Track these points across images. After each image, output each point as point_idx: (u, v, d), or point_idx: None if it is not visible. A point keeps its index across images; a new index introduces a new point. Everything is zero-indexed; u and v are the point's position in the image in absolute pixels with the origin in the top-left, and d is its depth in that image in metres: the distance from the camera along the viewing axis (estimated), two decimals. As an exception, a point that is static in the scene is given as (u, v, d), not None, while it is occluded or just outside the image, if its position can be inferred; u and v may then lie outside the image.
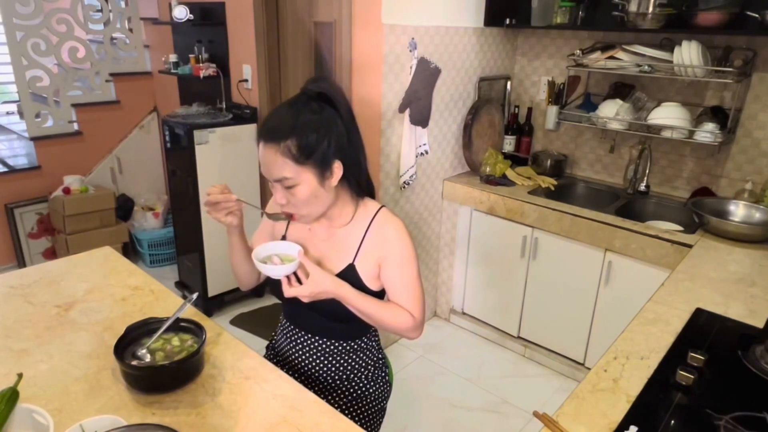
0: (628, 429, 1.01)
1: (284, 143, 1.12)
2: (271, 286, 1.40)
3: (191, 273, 3.08)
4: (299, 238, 1.34)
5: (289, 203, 1.19)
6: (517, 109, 2.99)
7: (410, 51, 2.35)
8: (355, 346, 1.37)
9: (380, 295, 1.32)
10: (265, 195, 3.08)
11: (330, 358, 1.36)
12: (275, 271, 1.17)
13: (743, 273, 1.74)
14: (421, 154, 2.55)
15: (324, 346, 1.35)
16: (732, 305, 1.51)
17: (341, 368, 1.37)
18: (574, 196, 2.74)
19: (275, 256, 1.22)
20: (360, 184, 1.27)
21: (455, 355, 2.75)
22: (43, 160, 3.35)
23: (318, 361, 1.36)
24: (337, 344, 1.35)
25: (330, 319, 1.32)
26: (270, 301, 3.18)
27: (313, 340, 1.35)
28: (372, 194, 1.34)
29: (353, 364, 1.38)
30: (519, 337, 2.75)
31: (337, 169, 1.19)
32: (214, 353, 1.18)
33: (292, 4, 2.70)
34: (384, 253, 1.26)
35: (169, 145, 2.99)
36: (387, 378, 1.49)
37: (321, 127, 1.14)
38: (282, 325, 1.45)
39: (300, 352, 1.37)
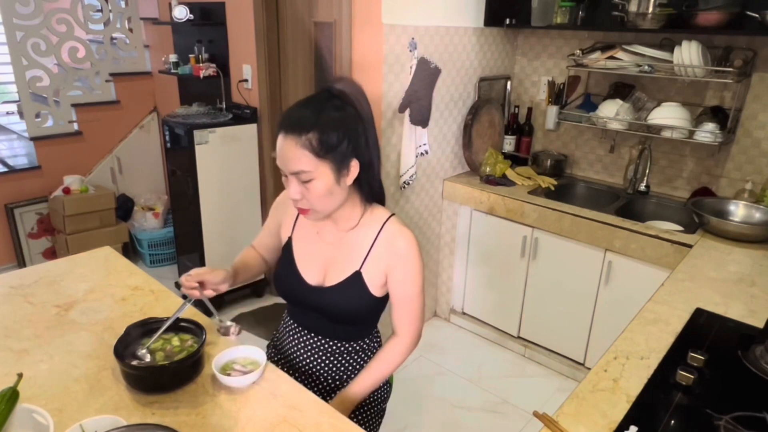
0: (628, 429, 1.01)
1: (306, 136, 1.11)
2: (275, 284, 1.39)
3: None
4: (307, 241, 1.33)
5: (303, 198, 1.17)
6: (517, 109, 2.99)
7: (410, 51, 2.35)
8: (357, 347, 1.37)
9: (385, 300, 1.32)
10: (265, 195, 3.08)
11: (332, 358, 1.36)
12: (241, 381, 1.11)
13: (743, 273, 1.74)
14: (421, 154, 2.55)
15: (327, 345, 1.35)
16: (732, 305, 1.51)
17: (342, 368, 1.37)
18: (574, 196, 2.74)
19: (235, 364, 1.17)
20: (372, 189, 1.26)
21: (455, 355, 2.74)
22: (43, 160, 3.35)
23: (320, 360, 1.36)
24: (339, 344, 1.35)
25: (335, 322, 1.32)
26: (270, 301, 3.18)
27: (316, 339, 1.35)
28: (382, 201, 1.33)
29: (354, 364, 1.38)
30: (519, 337, 2.75)
31: (354, 167, 1.18)
32: (214, 353, 1.18)
33: (292, 4, 2.70)
34: (392, 265, 1.25)
35: (169, 145, 2.99)
36: (387, 379, 1.49)
37: (342, 125, 1.14)
38: (285, 322, 1.45)
39: (302, 350, 1.37)
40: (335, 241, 1.30)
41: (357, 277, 1.26)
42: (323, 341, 1.35)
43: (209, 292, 1.26)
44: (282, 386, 1.14)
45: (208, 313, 1.33)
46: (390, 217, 1.28)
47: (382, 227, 1.27)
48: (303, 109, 1.16)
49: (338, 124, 1.13)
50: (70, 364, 1.18)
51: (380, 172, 1.28)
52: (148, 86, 3.77)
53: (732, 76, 2.14)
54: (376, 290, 1.28)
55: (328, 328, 1.34)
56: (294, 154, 1.12)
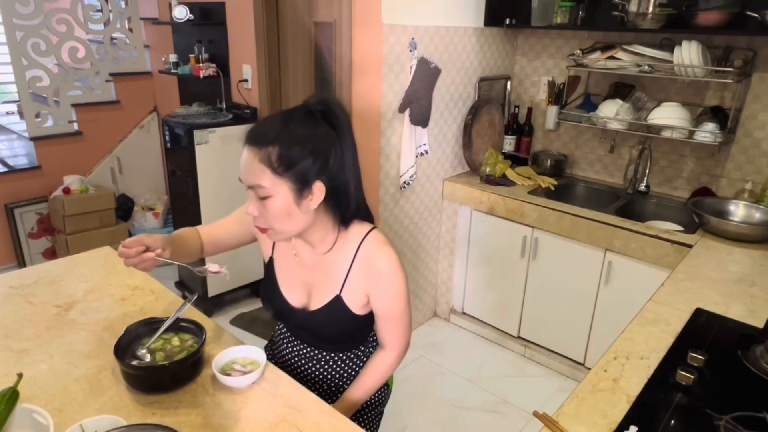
0: (628, 429, 1.01)
1: (265, 149, 1.05)
2: (262, 302, 1.37)
3: (191, 273, 3.09)
4: (286, 263, 1.29)
5: (261, 216, 1.11)
6: (517, 109, 2.99)
7: (410, 51, 2.35)
8: (352, 355, 1.35)
9: (368, 319, 1.28)
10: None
11: (326, 366, 1.34)
12: (242, 381, 1.11)
13: (743, 273, 1.74)
14: (421, 154, 2.55)
15: (321, 355, 1.33)
16: (732, 305, 1.51)
17: (338, 375, 1.36)
18: (574, 196, 2.74)
19: (235, 364, 1.17)
20: (345, 214, 1.18)
21: (455, 355, 2.74)
22: (43, 160, 3.35)
23: (315, 368, 1.35)
24: (334, 354, 1.34)
25: (325, 342, 1.31)
26: (270, 301, 3.18)
27: (309, 349, 1.34)
28: (368, 218, 1.26)
29: (349, 371, 1.36)
30: (519, 337, 2.75)
31: (318, 190, 1.10)
32: (214, 353, 1.18)
33: (292, 4, 2.70)
34: (373, 286, 1.20)
35: (169, 145, 2.99)
36: (386, 382, 1.48)
37: (309, 143, 1.07)
38: (279, 329, 1.44)
39: (297, 357, 1.36)
40: (313, 264, 1.25)
41: (338, 300, 1.22)
42: (316, 351, 1.33)
43: (161, 252, 1.16)
44: (282, 386, 1.14)
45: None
46: (367, 234, 1.21)
47: (359, 247, 1.20)
48: (270, 121, 1.10)
49: (304, 140, 1.07)
50: (70, 364, 1.18)
51: (360, 194, 1.20)
52: (148, 86, 3.77)
53: (732, 76, 2.14)
54: (359, 310, 1.24)
55: (319, 341, 1.32)
56: (252, 167, 1.07)
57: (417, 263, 2.82)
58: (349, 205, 1.17)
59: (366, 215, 1.25)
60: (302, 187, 1.08)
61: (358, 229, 1.22)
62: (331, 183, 1.11)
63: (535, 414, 1.07)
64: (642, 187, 2.45)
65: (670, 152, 2.55)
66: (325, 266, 1.24)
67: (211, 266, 1.25)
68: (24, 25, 3.11)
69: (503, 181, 2.71)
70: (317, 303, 1.25)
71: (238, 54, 3.02)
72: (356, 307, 1.23)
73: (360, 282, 1.21)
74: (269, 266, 1.33)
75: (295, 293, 1.28)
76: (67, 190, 3.24)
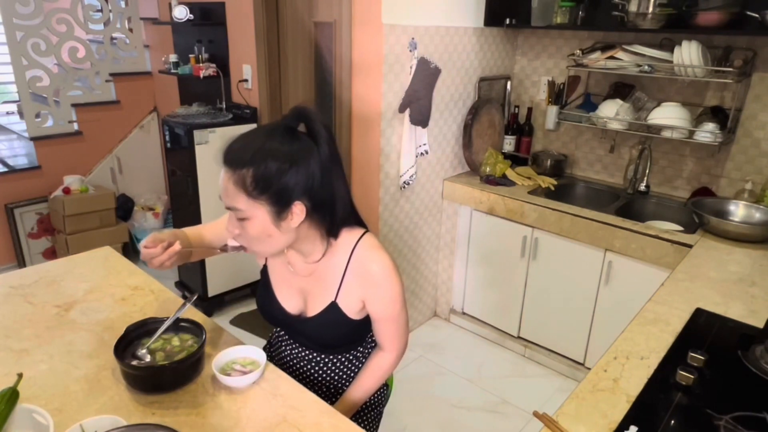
0: (628, 429, 1.01)
1: (239, 172, 1.02)
2: (259, 310, 1.36)
3: (191, 273, 3.09)
4: (281, 271, 1.29)
5: (240, 235, 1.10)
6: (517, 109, 2.99)
7: (410, 51, 2.35)
8: (351, 357, 1.35)
9: (366, 322, 1.27)
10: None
11: (325, 368, 1.34)
12: (242, 381, 1.11)
13: (743, 273, 1.74)
14: (421, 154, 2.55)
15: (319, 357, 1.33)
16: (732, 305, 1.51)
17: (336, 377, 1.35)
18: (574, 196, 2.74)
19: (235, 364, 1.17)
20: (331, 229, 1.16)
21: (455, 355, 2.74)
22: (43, 160, 3.35)
23: (314, 369, 1.34)
24: (332, 356, 1.33)
25: (323, 347, 1.31)
26: (270, 301, 3.18)
27: (307, 351, 1.34)
28: (358, 223, 1.24)
29: (348, 372, 1.36)
30: (519, 337, 2.75)
31: (298, 210, 1.07)
32: (214, 353, 1.18)
33: (292, 4, 2.70)
34: (369, 291, 1.19)
35: (169, 145, 2.99)
36: (386, 382, 1.48)
37: (286, 160, 1.02)
38: (277, 332, 1.44)
39: (295, 360, 1.36)
40: (307, 273, 1.24)
41: (334, 307, 1.22)
42: (315, 354, 1.33)
43: (179, 243, 1.17)
44: (282, 386, 1.14)
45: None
46: (360, 239, 1.19)
47: (352, 252, 1.18)
48: (246, 140, 1.06)
49: (280, 160, 1.02)
50: (70, 364, 1.18)
51: (349, 205, 1.18)
52: (148, 86, 3.77)
53: (732, 76, 2.14)
54: (355, 315, 1.23)
55: (317, 346, 1.32)
56: (228, 189, 1.04)
57: (417, 263, 2.82)
58: (334, 220, 1.15)
59: (357, 224, 1.23)
60: (280, 208, 1.05)
61: (349, 235, 1.20)
62: (312, 201, 1.08)
63: (535, 414, 1.07)
64: (642, 187, 2.44)
65: (670, 152, 2.55)
66: (318, 274, 1.23)
67: (232, 242, 1.20)
68: (24, 25, 3.11)
69: (503, 181, 2.71)
70: (313, 310, 1.25)
71: (238, 54, 3.02)
72: (352, 312, 1.23)
73: (355, 288, 1.20)
74: (264, 273, 1.33)
75: (291, 300, 1.28)
76: (67, 190, 3.24)
